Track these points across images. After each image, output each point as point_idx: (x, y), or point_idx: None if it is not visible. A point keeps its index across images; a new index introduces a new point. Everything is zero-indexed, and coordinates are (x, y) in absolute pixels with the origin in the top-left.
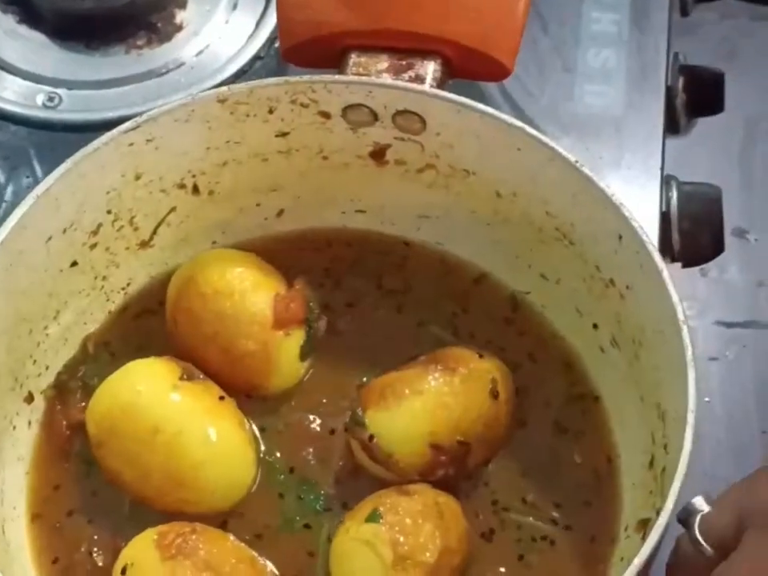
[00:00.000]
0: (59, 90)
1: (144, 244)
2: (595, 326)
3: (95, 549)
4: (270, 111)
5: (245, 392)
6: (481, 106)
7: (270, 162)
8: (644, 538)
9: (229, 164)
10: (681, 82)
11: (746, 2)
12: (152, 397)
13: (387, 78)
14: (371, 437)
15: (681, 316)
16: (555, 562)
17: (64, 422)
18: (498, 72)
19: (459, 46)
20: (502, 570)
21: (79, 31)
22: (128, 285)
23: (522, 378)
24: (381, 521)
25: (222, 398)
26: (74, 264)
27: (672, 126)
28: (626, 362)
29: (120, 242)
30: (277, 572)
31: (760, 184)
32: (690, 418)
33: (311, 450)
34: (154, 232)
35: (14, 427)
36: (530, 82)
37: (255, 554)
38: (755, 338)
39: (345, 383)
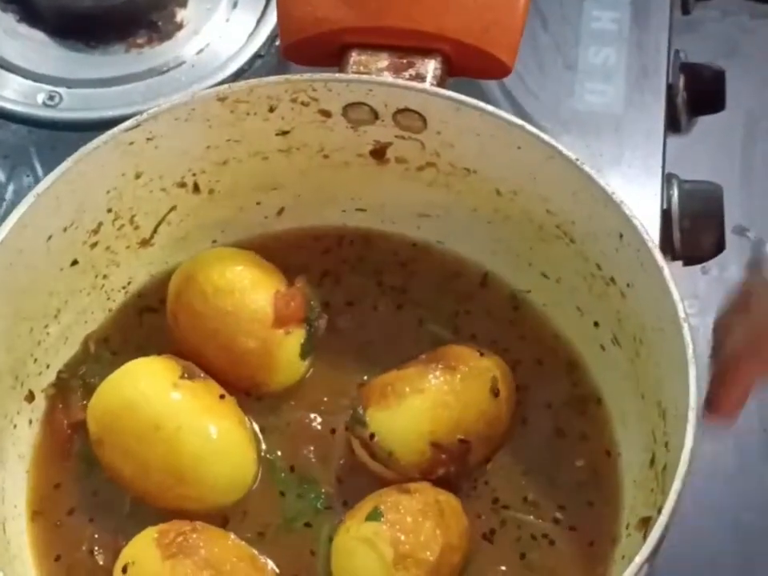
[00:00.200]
0: (59, 89)
1: (144, 243)
2: (596, 324)
3: (96, 547)
4: (271, 110)
5: (245, 390)
6: (481, 104)
7: (270, 161)
8: (645, 537)
9: (229, 163)
10: (682, 79)
11: (747, 0)
12: (153, 395)
13: (388, 77)
14: (372, 435)
15: (682, 314)
16: (556, 560)
17: (65, 421)
18: (499, 70)
19: (459, 44)
20: (503, 568)
21: (79, 30)
22: (128, 283)
23: (522, 376)
24: (382, 519)
25: (222, 396)
26: (75, 263)
27: (673, 124)
28: (627, 360)
29: (120, 240)
30: (277, 570)
31: (761, 182)
32: (691, 416)
33: (312, 448)
34: (155, 231)
35: (15, 426)
36: (531, 80)
37: (256, 552)
38: None
39: (345, 382)
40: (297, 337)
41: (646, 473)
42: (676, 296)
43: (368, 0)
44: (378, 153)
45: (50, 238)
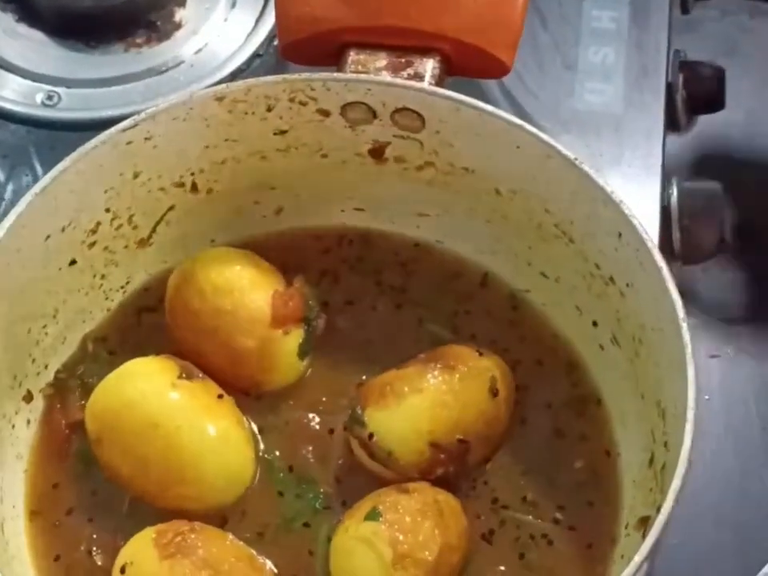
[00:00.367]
0: (58, 89)
1: (143, 242)
2: (595, 323)
3: (94, 548)
4: (269, 109)
5: (243, 390)
6: (480, 103)
7: (268, 160)
8: (644, 536)
9: (227, 162)
10: (681, 79)
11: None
12: (151, 395)
13: (386, 76)
14: (371, 435)
15: (680, 313)
16: (555, 560)
17: (63, 421)
18: (497, 69)
19: (458, 43)
20: (502, 568)
21: (78, 29)
22: (127, 283)
23: (522, 376)
24: (380, 519)
25: (220, 396)
26: (73, 263)
27: (672, 123)
28: (627, 360)
29: (119, 240)
30: (276, 571)
31: (760, 181)
32: (690, 415)
33: (310, 448)
34: (153, 230)
35: (13, 426)
36: (530, 80)
37: (254, 552)
38: (755, 336)
39: (344, 381)
40: (295, 336)
41: (645, 472)
42: (675, 295)
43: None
44: (377, 152)
45: (48, 237)
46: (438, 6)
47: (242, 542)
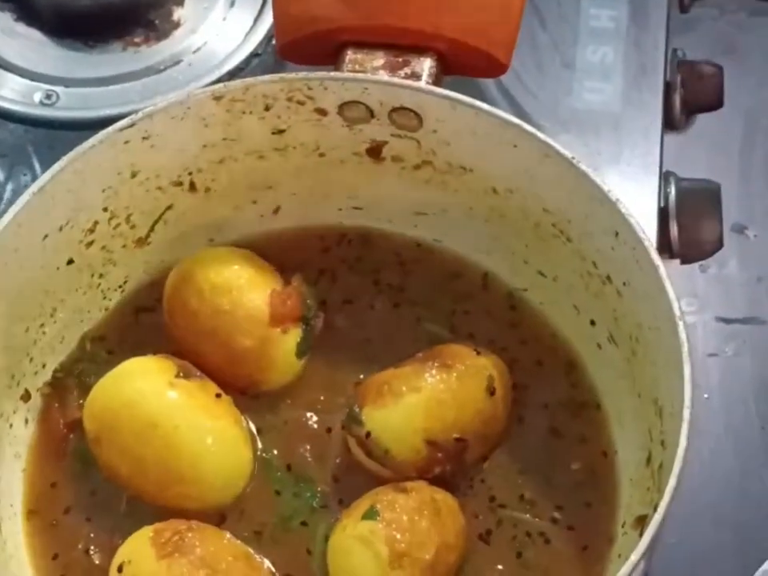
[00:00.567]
0: (57, 88)
1: (141, 242)
2: (593, 322)
3: (92, 547)
4: (266, 108)
5: (242, 389)
6: (476, 102)
7: (266, 159)
8: (641, 534)
9: (225, 161)
10: (679, 77)
11: None
12: (149, 394)
13: (383, 75)
14: (368, 434)
15: (677, 312)
16: (553, 559)
17: (61, 420)
18: (495, 68)
19: (455, 42)
20: (500, 567)
21: (77, 29)
22: (125, 282)
23: (520, 375)
24: (378, 518)
25: (218, 395)
26: (71, 262)
27: (671, 122)
28: (624, 359)
29: (117, 239)
30: (273, 569)
31: (759, 180)
32: (686, 414)
33: (308, 447)
34: (151, 230)
35: (11, 425)
36: (529, 79)
37: (252, 551)
38: (754, 334)
39: (341, 380)
40: (293, 335)
41: (643, 471)
42: (672, 294)
43: None
44: (374, 151)
45: (45, 237)
46: (435, 5)
47: (239, 541)
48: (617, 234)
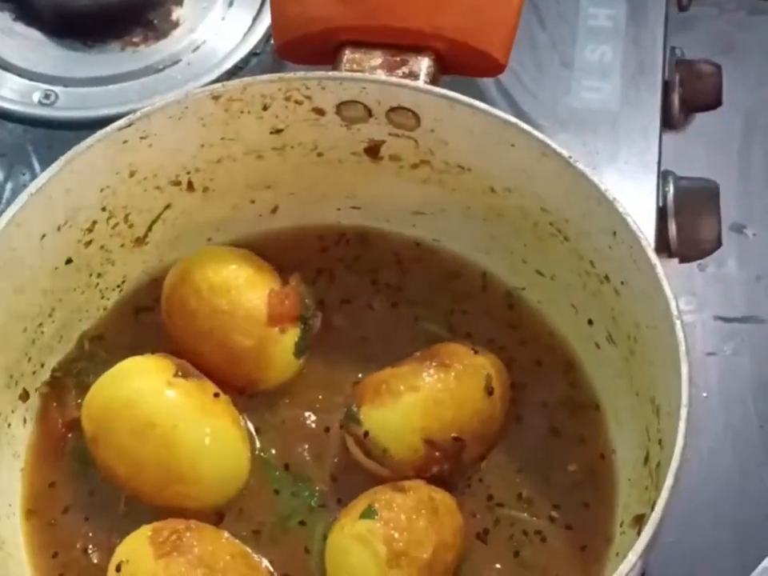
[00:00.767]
0: (55, 88)
1: (139, 241)
2: (590, 321)
3: (90, 546)
4: (264, 108)
5: (240, 388)
6: (474, 101)
7: (264, 159)
8: (639, 533)
9: (223, 161)
10: (678, 76)
11: None
12: (147, 393)
13: (381, 75)
14: (366, 433)
15: (674, 311)
16: (550, 558)
17: (59, 420)
18: (492, 67)
19: (453, 42)
20: (498, 566)
21: (75, 28)
22: (123, 282)
23: (518, 375)
24: (376, 517)
25: (216, 395)
26: (69, 261)
27: (669, 121)
28: (622, 358)
29: (115, 239)
30: (272, 569)
31: (758, 179)
32: (683, 413)
33: (306, 446)
34: (149, 229)
35: (9, 425)
36: (527, 78)
37: (250, 550)
38: (753, 333)
39: (340, 379)
40: (291, 335)
41: (640, 470)
42: (669, 293)
43: None
44: (372, 151)
45: (43, 236)
46: (432, 4)
47: (237, 540)
48: (614, 233)
